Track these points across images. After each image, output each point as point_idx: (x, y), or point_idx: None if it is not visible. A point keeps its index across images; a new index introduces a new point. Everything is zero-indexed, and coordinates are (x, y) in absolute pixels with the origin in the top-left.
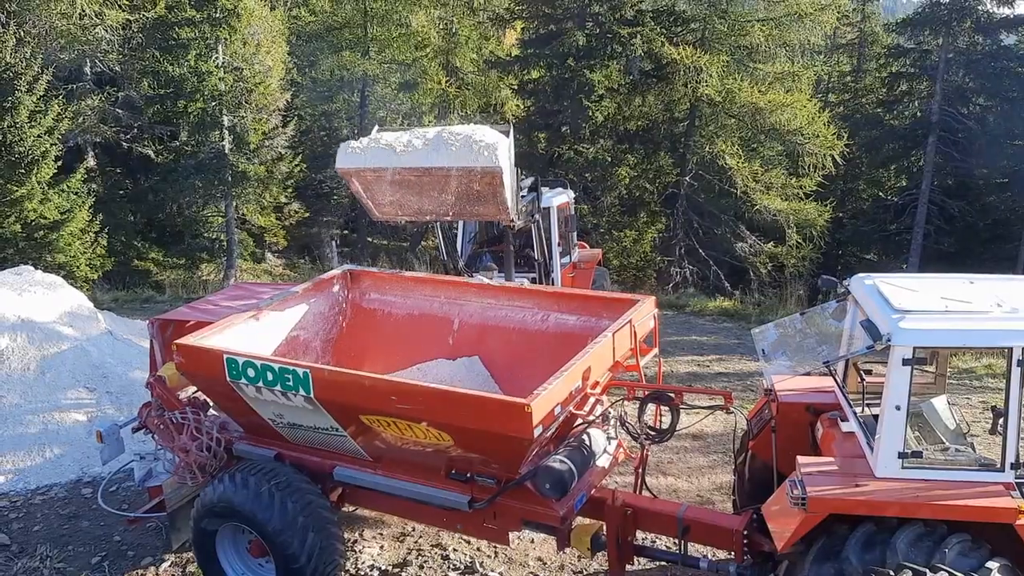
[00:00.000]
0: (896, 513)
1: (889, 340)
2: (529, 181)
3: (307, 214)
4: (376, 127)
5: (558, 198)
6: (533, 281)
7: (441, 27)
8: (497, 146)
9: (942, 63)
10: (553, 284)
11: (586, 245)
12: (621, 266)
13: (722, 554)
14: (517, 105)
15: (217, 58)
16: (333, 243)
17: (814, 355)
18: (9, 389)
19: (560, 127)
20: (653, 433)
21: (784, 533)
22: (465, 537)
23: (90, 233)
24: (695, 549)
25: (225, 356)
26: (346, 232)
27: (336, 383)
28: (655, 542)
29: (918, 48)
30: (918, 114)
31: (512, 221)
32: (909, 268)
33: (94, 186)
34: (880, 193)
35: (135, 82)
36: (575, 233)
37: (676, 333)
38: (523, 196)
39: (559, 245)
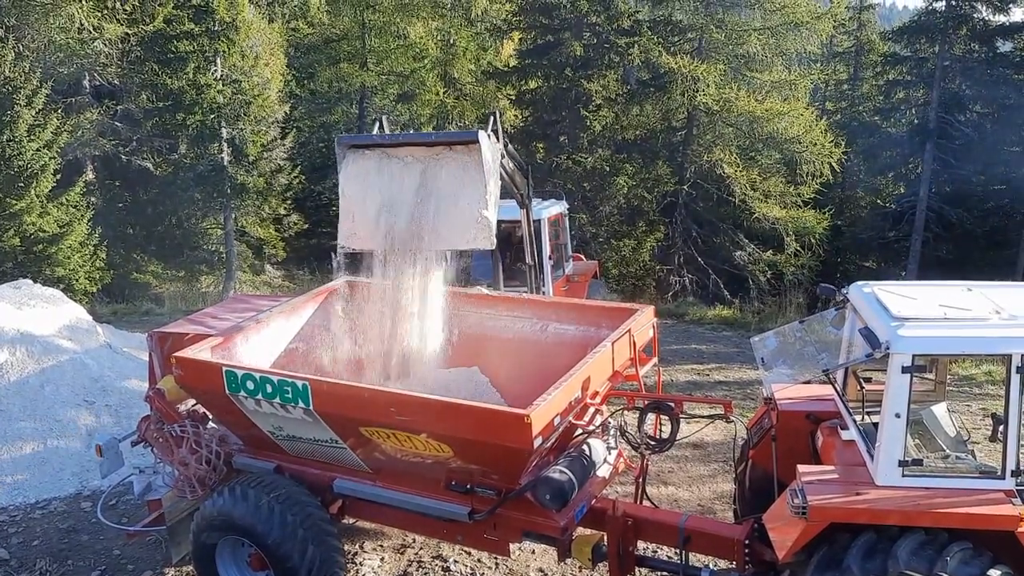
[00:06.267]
0: (897, 521)
1: (888, 348)
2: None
3: (306, 226)
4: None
5: (549, 209)
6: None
7: (439, 38)
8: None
9: (939, 71)
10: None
11: (582, 257)
12: (620, 275)
13: (724, 564)
14: (515, 115)
15: (216, 71)
16: (332, 254)
17: (814, 363)
18: (8, 403)
19: (558, 137)
20: (653, 443)
21: (785, 542)
22: (466, 549)
23: (89, 246)
24: (696, 559)
25: (224, 369)
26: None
27: (335, 395)
28: (656, 552)
29: (915, 56)
30: (915, 121)
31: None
32: (908, 275)
33: (93, 199)
34: (878, 200)
35: (134, 95)
36: (569, 245)
37: (675, 342)
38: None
39: (551, 257)
